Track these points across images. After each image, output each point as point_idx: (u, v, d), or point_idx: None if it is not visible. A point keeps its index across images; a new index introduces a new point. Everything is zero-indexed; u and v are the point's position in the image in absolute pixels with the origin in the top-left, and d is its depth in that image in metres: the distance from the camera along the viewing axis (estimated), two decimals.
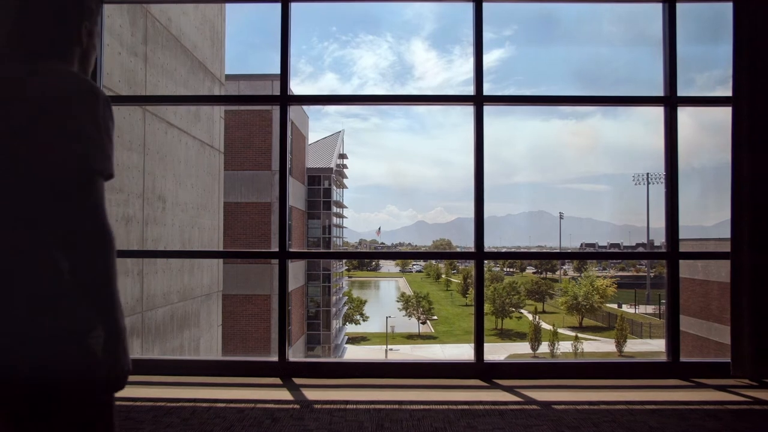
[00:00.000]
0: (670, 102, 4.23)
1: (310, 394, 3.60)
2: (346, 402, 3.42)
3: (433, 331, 44.81)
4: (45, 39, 1.37)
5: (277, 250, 4.16)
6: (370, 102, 4.56)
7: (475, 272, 4.23)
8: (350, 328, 44.86)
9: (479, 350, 4.15)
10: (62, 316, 1.21)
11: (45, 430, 1.24)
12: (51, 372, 1.20)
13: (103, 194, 1.28)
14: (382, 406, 3.37)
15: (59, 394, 1.23)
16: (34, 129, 1.20)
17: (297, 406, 3.35)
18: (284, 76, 4.19)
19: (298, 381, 3.93)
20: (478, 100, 4.20)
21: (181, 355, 8.08)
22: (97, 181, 1.26)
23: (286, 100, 4.21)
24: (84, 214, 1.23)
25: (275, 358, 4.16)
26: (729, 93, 4.09)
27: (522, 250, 42.18)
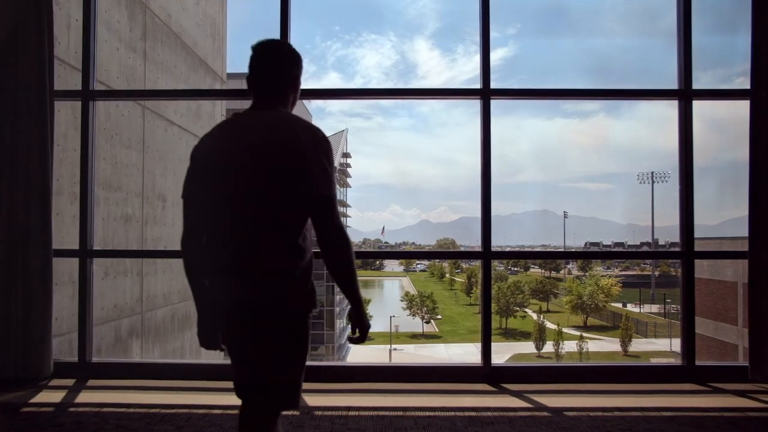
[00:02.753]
0: (685, 95, 4.07)
1: (311, 400, 3.46)
2: (348, 408, 3.28)
3: (437, 330, 44.59)
4: (277, 90, 1.85)
5: None
6: (374, 96, 4.40)
7: (482, 272, 4.07)
8: None
9: (486, 353, 4.00)
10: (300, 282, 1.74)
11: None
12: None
13: (337, 208, 1.76)
14: (386, 413, 3.23)
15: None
16: (292, 163, 1.67)
17: (296, 413, 3.21)
18: None
19: None
20: (485, 94, 4.04)
21: (178, 359, 7.94)
22: (333, 202, 1.73)
23: None
24: (332, 222, 1.71)
25: None
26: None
27: (529, 250, 41.92)
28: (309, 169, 1.67)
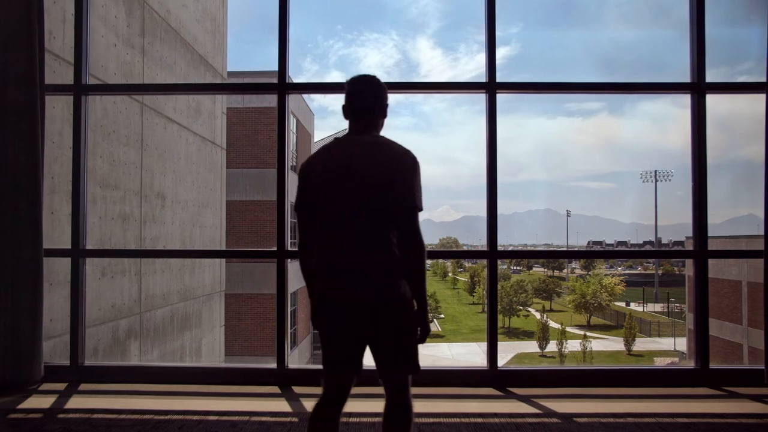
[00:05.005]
0: (698, 88, 3.92)
1: (310, 405, 3.30)
2: (349, 414, 3.14)
3: (440, 329, 44.41)
4: (375, 118, 2.18)
5: (275, 249, 3.90)
6: None
7: (488, 272, 3.94)
8: None
9: (492, 356, 3.87)
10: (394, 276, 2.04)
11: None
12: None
13: (418, 217, 2.07)
14: None
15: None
16: (390, 179, 2.02)
17: (295, 419, 3.08)
18: (282, 63, 3.92)
19: (297, 390, 3.67)
20: (491, 88, 3.90)
21: (177, 361, 7.83)
22: (415, 212, 2.05)
23: (284, 88, 3.94)
24: (413, 230, 2.04)
25: (274, 365, 3.89)
26: None
27: (536, 249, 41.60)
28: (399, 183, 2.02)
